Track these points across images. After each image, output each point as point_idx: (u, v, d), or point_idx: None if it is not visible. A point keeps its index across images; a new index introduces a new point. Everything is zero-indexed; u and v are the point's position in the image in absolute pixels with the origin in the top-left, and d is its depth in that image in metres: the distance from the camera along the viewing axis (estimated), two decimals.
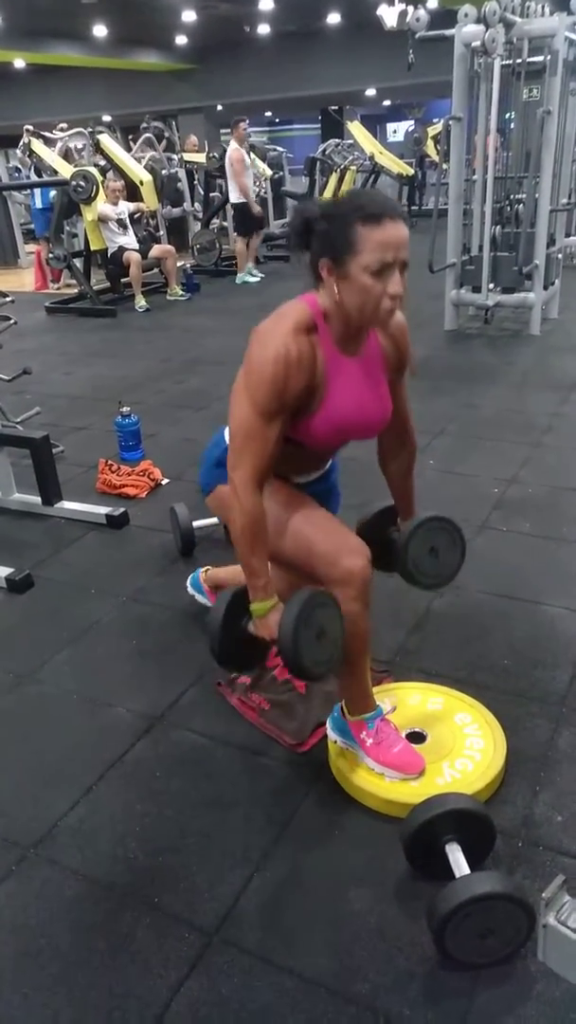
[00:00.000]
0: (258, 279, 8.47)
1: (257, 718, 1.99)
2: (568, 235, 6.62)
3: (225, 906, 1.53)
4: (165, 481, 3.49)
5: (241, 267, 8.50)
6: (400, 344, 1.71)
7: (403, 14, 10.23)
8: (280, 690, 2.05)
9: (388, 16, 10.25)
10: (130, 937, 1.49)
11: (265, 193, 10.27)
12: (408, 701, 1.94)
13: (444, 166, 5.72)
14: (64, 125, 9.03)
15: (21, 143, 8.05)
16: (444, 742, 1.81)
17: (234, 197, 8.12)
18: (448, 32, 5.30)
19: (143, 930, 1.50)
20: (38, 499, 3.21)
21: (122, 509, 3.12)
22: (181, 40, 17.65)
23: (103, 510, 3.12)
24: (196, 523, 2.79)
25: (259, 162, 10.58)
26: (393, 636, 2.28)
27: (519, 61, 5.27)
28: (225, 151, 9.10)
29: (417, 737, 1.83)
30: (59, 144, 8.32)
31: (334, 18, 15.98)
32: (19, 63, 17.71)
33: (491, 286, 5.59)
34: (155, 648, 2.33)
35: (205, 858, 1.63)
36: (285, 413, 1.54)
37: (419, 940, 1.42)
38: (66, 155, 8.26)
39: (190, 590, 2.46)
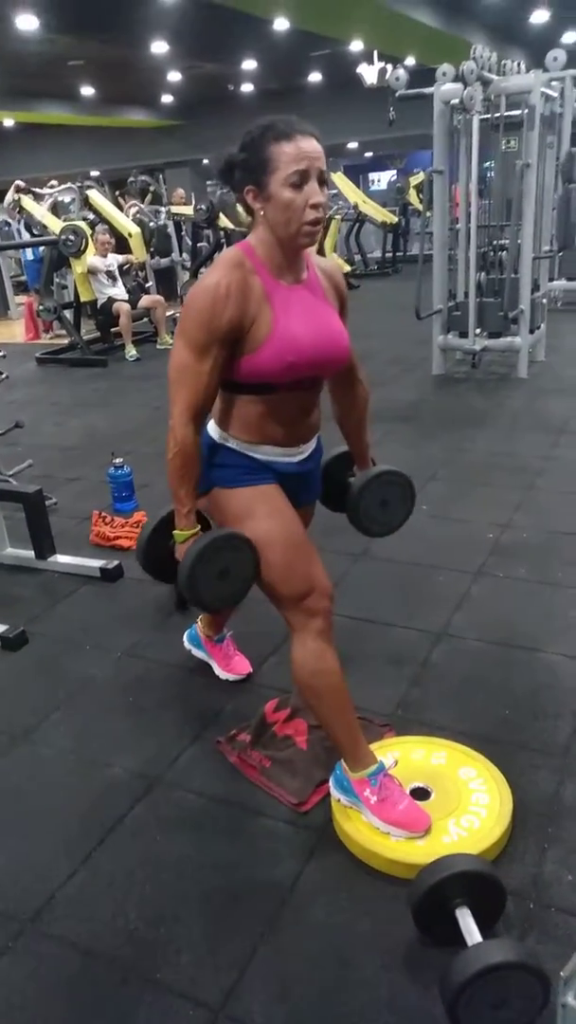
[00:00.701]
0: None
1: (258, 776, 1.95)
2: (551, 279, 6.75)
3: (230, 979, 1.48)
4: None
5: None
6: (337, 283, 1.77)
7: (382, 71, 10.61)
8: (281, 747, 2.01)
9: (368, 74, 10.61)
10: (131, 1016, 1.43)
11: None
12: (411, 756, 1.91)
13: (428, 214, 5.85)
14: (54, 182, 9.22)
15: (8, 199, 8.17)
16: (449, 798, 1.77)
17: None
18: (427, 90, 5.47)
19: (145, 1008, 1.44)
20: (31, 553, 3.18)
21: (116, 562, 3.10)
22: (167, 98, 18.16)
23: (97, 563, 3.10)
24: None
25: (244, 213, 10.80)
26: (394, 689, 2.25)
27: (497, 115, 5.44)
28: (212, 203, 9.33)
29: (421, 793, 1.80)
30: (48, 199, 8.48)
31: (315, 76, 16.48)
32: (8, 122, 18.17)
33: (478, 331, 5.68)
34: (152, 705, 2.30)
35: (208, 927, 1.58)
36: (219, 348, 1.58)
37: (430, 1010, 1.37)
38: (55, 209, 8.42)
39: (187, 645, 2.43)
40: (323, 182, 1.55)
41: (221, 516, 1.77)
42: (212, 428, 1.76)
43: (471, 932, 1.40)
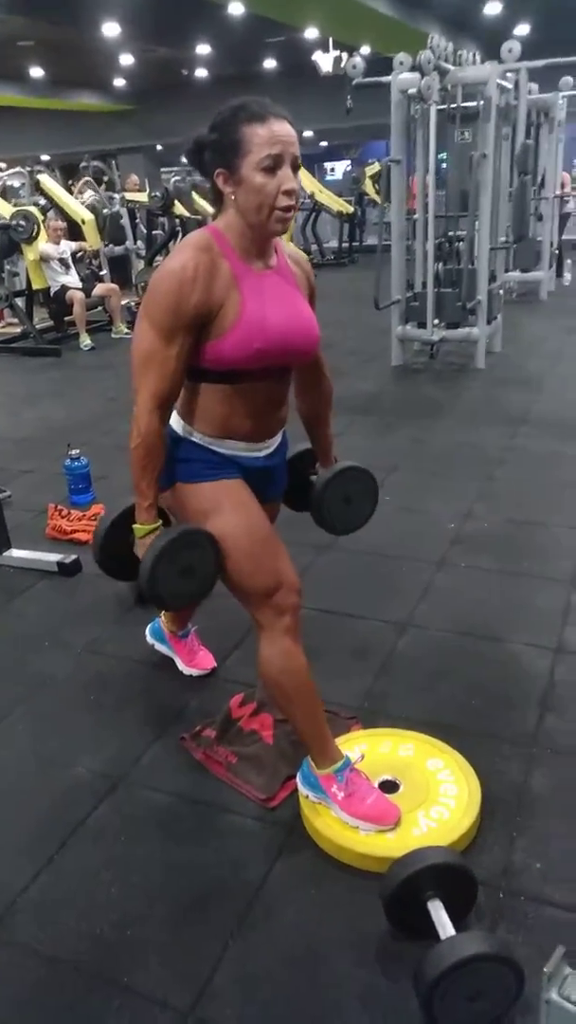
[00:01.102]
0: None
1: (224, 772, 1.92)
2: (507, 270, 6.81)
3: (200, 981, 1.45)
4: None
5: None
6: (307, 271, 1.74)
7: (337, 60, 10.57)
8: (247, 742, 1.99)
9: (323, 62, 10.56)
10: (99, 1022, 1.40)
11: None
12: (378, 749, 1.90)
13: (385, 205, 5.84)
14: (3, 164, 8.99)
15: None
16: (418, 790, 1.77)
17: None
18: (384, 79, 5.45)
19: (113, 1014, 1.40)
20: None
21: (74, 556, 3.03)
22: (119, 82, 17.85)
23: (54, 557, 3.02)
24: None
25: (201, 200, 10.68)
26: (360, 681, 2.24)
27: (454, 106, 5.45)
28: (167, 190, 9.21)
29: (390, 786, 1.79)
30: None
31: (271, 63, 16.37)
32: None
33: (436, 322, 5.70)
34: (114, 702, 2.25)
35: (176, 929, 1.55)
36: (186, 332, 1.52)
37: (402, 1006, 1.37)
38: (3, 194, 8.20)
39: (150, 640, 2.39)
40: (296, 167, 1.50)
41: (183, 512, 1.72)
42: (175, 421, 1.70)
43: (444, 925, 1.39)
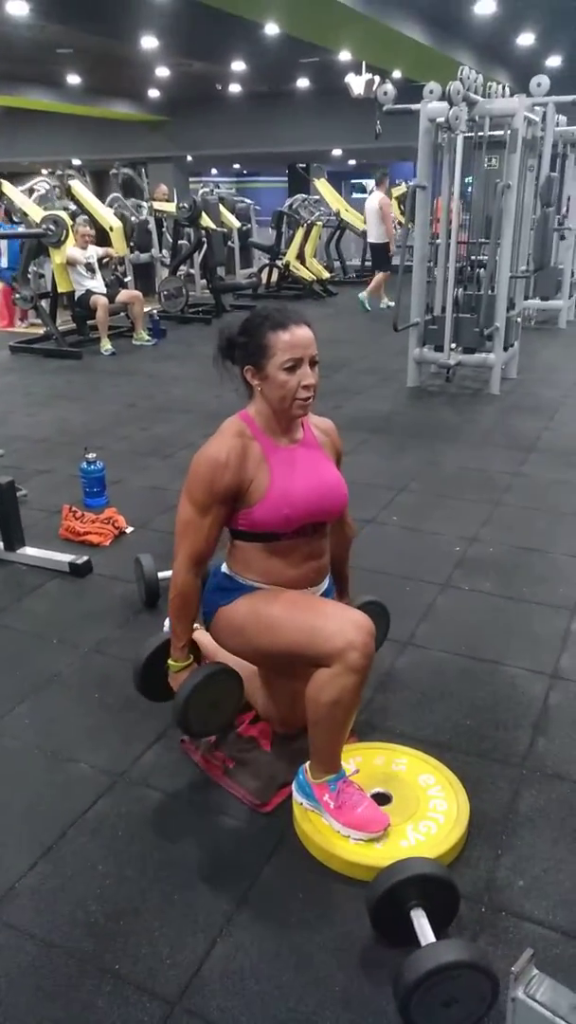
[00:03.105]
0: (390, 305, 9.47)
1: (222, 776, 1.98)
2: (526, 298, 6.87)
3: (188, 973, 1.50)
4: (129, 529, 3.48)
5: (377, 294, 9.94)
6: (333, 439, 1.99)
7: (369, 82, 10.70)
8: (245, 748, 2.04)
9: (355, 84, 10.68)
10: (89, 1006, 1.45)
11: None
12: (373, 762, 1.95)
13: (410, 226, 5.93)
14: (45, 172, 9.14)
15: None
16: (408, 804, 1.82)
17: (375, 237, 9.74)
18: (414, 107, 5.55)
19: (103, 999, 1.46)
20: (0, 544, 3.17)
21: (85, 557, 3.10)
22: (154, 93, 18.07)
23: (66, 558, 3.10)
24: (161, 574, 2.79)
25: (227, 214, 10.82)
26: None
27: (481, 134, 5.54)
28: (195, 202, 9.36)
29: (382, 799, 1.84)
30: (29, 187, 8.39)
31: (303, 82, 16.55)
32: None
33: (453, 346, 5.77)
34: (118, 702, 2.31)
35: (168, 922, 1.61)
36: (220, 506, 1.78)
37: (384, 1008, 1.42)
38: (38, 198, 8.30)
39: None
40: (314, 364, 1.76)
41: (229, 631, 1.87)
42: (225, 567, 1.92)
43: (425, 933, 1.45)
